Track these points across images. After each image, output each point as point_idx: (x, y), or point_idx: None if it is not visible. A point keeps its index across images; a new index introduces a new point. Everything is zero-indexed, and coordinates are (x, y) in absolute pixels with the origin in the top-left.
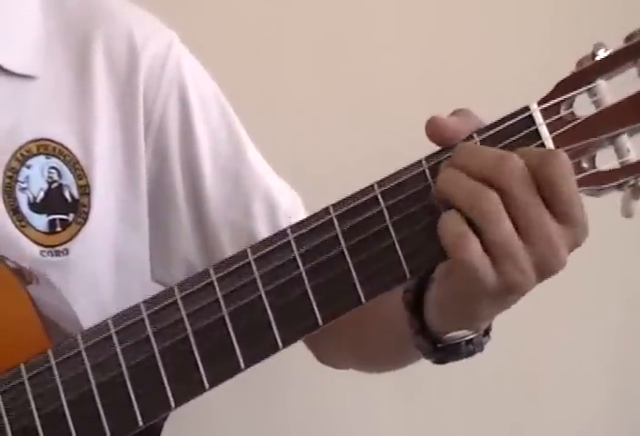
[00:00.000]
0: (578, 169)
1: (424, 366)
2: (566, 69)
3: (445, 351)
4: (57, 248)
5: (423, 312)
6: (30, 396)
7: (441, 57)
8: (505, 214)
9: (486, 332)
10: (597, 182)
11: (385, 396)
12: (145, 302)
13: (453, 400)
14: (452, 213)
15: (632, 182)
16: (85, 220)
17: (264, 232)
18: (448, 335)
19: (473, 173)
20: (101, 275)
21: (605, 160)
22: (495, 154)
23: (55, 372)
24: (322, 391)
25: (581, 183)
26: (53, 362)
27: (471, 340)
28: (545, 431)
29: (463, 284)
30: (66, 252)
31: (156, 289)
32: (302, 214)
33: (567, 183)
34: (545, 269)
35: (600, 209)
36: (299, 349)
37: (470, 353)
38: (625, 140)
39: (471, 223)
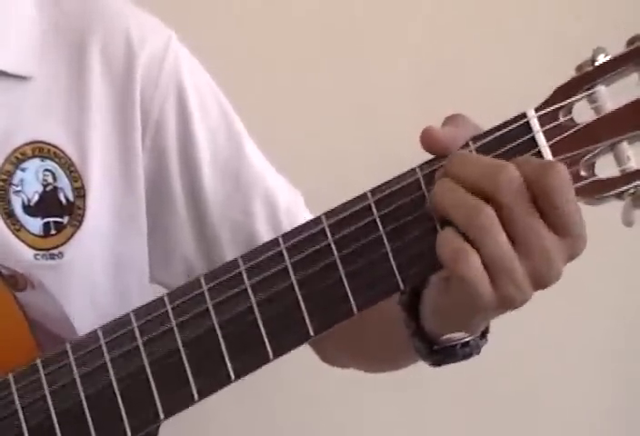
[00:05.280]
0: (576, 177)
1: (424, 366)
2: (566, 74)
3: (441, 354)
4: (52, 251)
5: (419, 313)
6: (18, 406)
7: (440, 63)
8: (500, 228)
9: (483, 335)
10: (596, 190)
11: (385, 396)
12: (134, 311)
13: (453, 400)
14: (449, 230)
15: (632, 190)
16: (80, 222)
17: (263, 231)
18: (444, 337)
19: (467, 183)
20: (98, 277)
21: (605, 168)
22: (490, 165)
23: (44, 382)
24: (322, 392)
25: (579, 191)
26: (42, 373)
27: (467, 342)
28: (546, 431)
29: (459, 296)
30: (61, 255)
31: (155, 290)
32: (302, 213)
33: (565, 195)
34: (540, 281)
35: (601, 208)
36: (299, 349)
37: (466, 356)
38: (626, 147)
39: (467, 237)
